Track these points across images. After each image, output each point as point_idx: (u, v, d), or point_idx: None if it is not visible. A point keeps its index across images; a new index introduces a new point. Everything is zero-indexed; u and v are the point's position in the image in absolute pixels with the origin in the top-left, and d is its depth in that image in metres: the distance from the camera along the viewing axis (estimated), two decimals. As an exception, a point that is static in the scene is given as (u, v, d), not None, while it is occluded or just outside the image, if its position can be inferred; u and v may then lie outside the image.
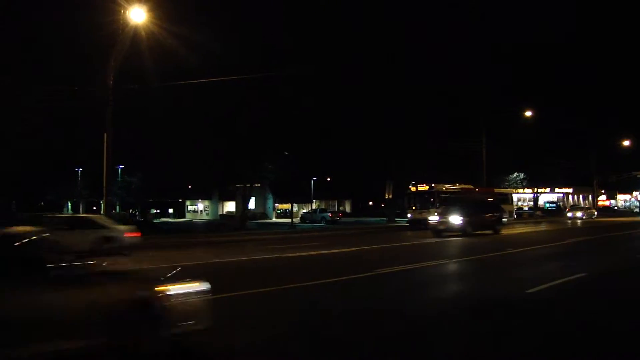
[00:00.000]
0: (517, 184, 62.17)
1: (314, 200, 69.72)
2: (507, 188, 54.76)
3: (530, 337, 6.70)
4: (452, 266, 14.49)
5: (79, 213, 73.69)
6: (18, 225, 6.34)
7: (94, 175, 42.69)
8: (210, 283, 6.03)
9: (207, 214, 76.52)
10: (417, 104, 42.51)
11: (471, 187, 40.09)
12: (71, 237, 15.32)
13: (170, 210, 79.37)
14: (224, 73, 27.86)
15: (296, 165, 47.47)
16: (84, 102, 23.88)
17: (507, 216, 37.17)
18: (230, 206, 71.22)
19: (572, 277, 11.28)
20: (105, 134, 21.68)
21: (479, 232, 25.99)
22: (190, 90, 28.11)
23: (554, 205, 69.99)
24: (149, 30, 20.38)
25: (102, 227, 18.13)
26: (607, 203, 78.32)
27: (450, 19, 68.94)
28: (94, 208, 73.63)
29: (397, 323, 7.47)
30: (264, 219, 65.63)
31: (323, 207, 65.81)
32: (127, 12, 19.85)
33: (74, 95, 22.94)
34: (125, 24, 20.16)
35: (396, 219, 46.24)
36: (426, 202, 34.66)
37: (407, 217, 37.50)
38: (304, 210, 63.63)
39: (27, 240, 5.46)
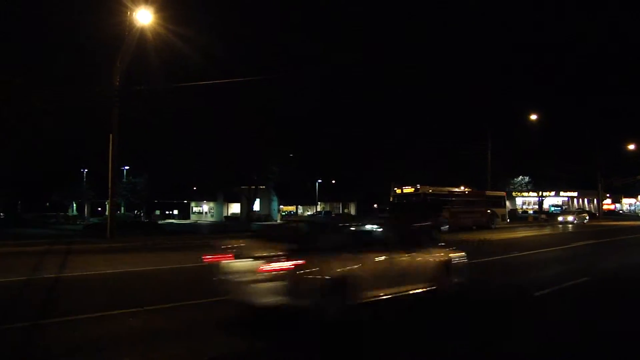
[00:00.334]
0: (522, 187, 62.03)
1: (319, 203, 69.82)
2: (512, 191, 54.42)
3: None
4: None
5: (84, 213, 74.10)
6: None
7: (99, 176, 42.86)
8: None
9: (211, 216, 76.58)
10: (420, 106, 42.57)
11: (461, 189, 38.46)
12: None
13: (175, 212, 79.60)
14: (230, 75, 27.91)
15: (301, 168, 47.48)
16: (90, 103, 23.92)
17: (500, 220, 36.21)
18: (235, 208, 71.33)
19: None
20: (111, 135, 21.67)
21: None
22: (196, 91, 28.15)
23: (559, 208, 69.70)
24: (155, 32, 20.42)
25: None
26: (612, 207, 78.00)
27: (453, 22, 68.99)
28: (99, 209, 73.86)
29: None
30: (268, 221, 65.63)
31: (328, 209, 65.83)
32: (133, 13, 19.94)
33: (81, 96, 22.99)
34: (131, 26, 20.22)
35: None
36: (413, 205, 31.09)
37: None
38: (309, 213, 63.66)
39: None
